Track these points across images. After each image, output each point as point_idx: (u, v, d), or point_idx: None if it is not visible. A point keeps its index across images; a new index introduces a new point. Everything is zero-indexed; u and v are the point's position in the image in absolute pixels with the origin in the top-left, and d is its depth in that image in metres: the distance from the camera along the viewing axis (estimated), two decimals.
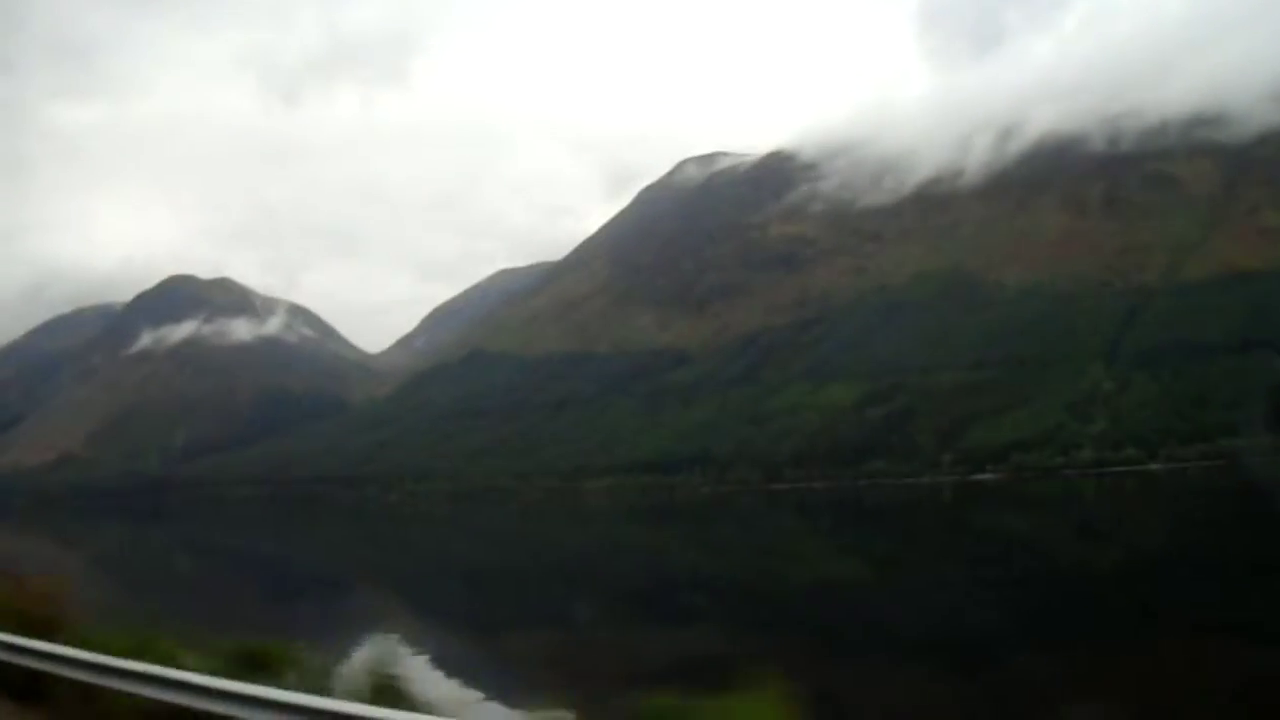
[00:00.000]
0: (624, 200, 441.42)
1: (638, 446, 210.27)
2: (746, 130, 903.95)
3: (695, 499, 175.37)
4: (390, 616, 52.47)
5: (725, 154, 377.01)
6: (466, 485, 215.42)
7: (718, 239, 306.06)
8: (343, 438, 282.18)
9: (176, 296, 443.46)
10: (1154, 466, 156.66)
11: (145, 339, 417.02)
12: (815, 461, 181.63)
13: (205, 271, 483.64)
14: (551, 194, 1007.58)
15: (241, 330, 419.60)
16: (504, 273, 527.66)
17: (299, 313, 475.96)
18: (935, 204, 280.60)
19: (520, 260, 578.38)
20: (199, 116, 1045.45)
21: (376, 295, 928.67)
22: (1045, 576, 55.34)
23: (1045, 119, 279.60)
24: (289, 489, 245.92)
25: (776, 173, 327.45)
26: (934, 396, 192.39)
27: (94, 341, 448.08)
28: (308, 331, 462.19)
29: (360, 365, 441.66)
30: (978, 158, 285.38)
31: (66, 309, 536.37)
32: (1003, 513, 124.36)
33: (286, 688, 11.24)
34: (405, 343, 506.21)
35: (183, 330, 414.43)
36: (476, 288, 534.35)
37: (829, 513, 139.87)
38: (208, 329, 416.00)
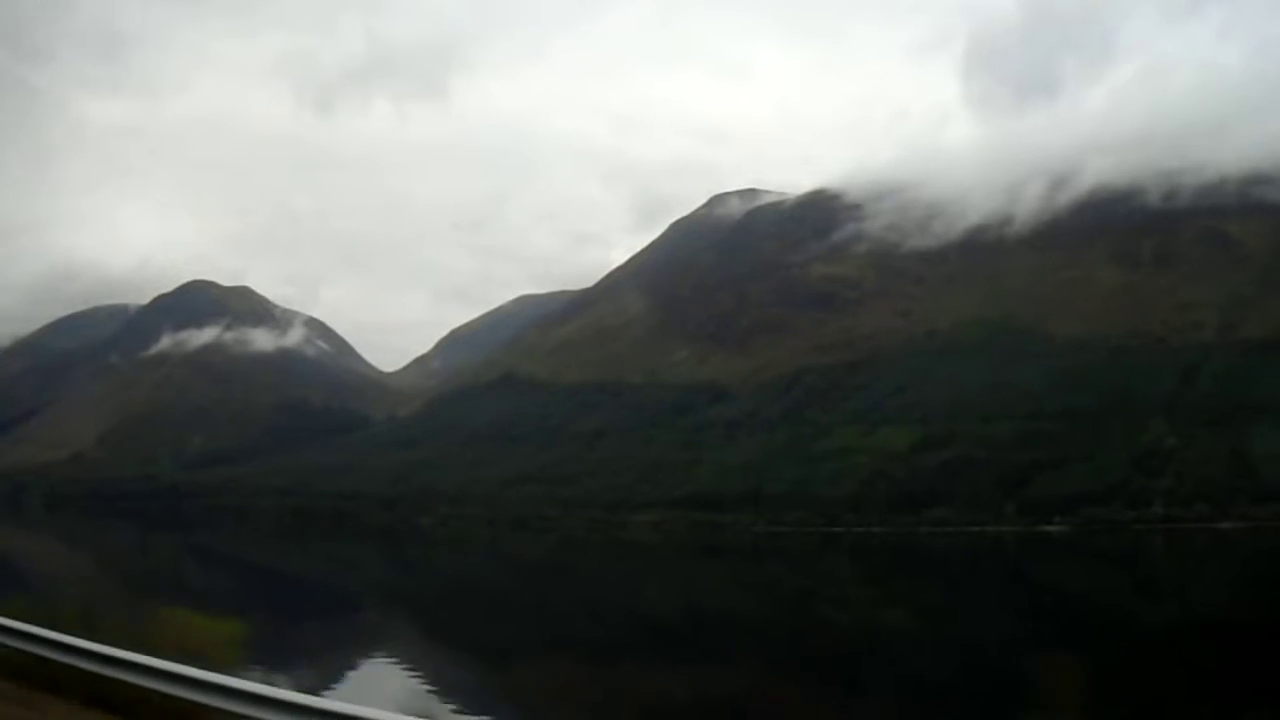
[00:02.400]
0: (650, 231, 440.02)
1: (683, 481, 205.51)
2: (777, 168, 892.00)
3: (748, 539, 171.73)
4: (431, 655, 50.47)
5: (758, 190, 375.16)
6: (503, 511, 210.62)
7: (758, 275, 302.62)
8: (370, 455, 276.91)
9: (195, 301, 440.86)
10: (1225, 525, 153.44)
11: (165, 341, 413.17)
12: (873, 506, 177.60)
13: (222, 278, 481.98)
14: (576, 221, 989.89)
15: (262, 340, 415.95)
16: (524, 298, 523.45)
17: (315, 326, 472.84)
18: (982, 251, 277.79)
19: (539, 287, 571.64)
20: (230, 120, 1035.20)
21: (389, 314, 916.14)
22: (1094, 635, 55.60)
23: (1098, 170, 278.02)
24: (316, 504, 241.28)
25: (819, 212, 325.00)
26: (992, 445, 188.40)
27: (110, 340, 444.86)
28: (324, 346, 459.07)
29: (377, 383, 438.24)
30: (1027, 206, 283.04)
31: (81, 307, 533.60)
32: (1065, 566, 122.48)
33: None
34: (421, 363, 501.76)
35: (204, 336, 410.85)
36: (495, 312, 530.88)
37: (886, 559, 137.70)
38: (229, 336, 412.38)
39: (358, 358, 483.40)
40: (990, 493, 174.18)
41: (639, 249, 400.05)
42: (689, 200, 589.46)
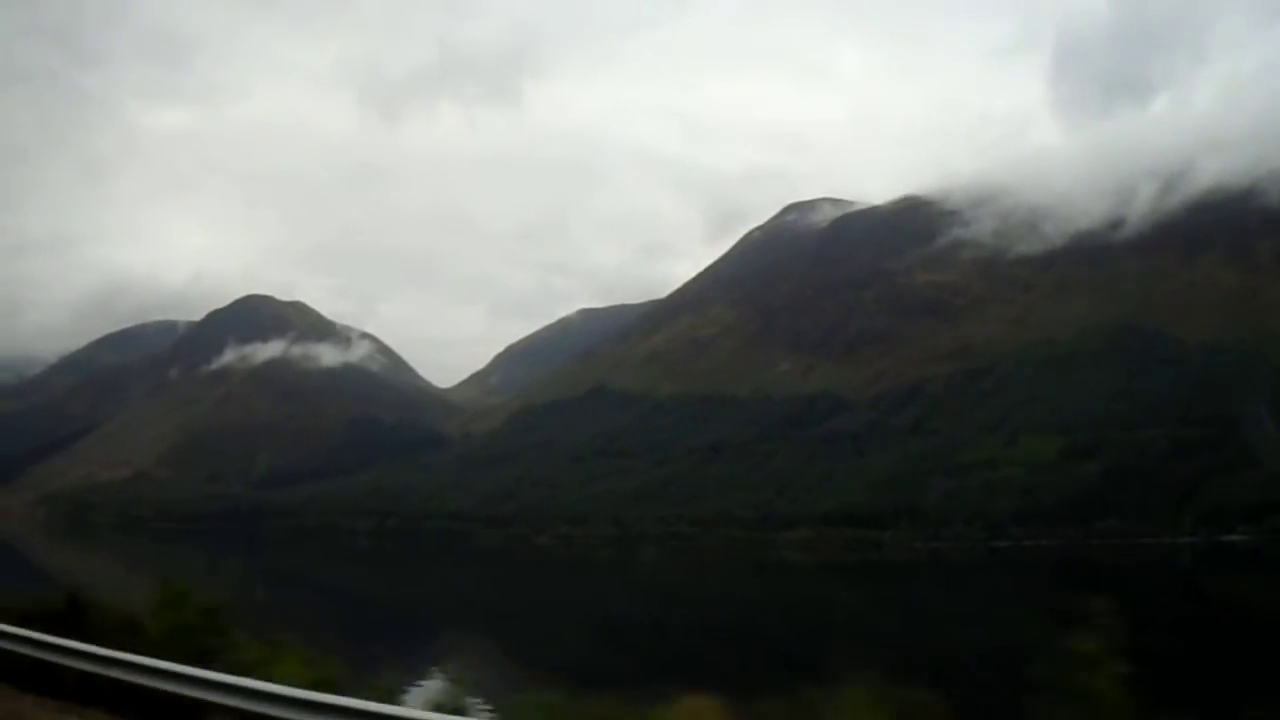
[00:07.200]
0: (721, 242, 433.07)
1: (822, 497, 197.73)
2: (852, 176, 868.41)
3: (909, 555, 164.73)
4: None
5: (841, 199, 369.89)
6: (628, 530, 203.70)
7: (859, 284, 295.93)
8: (461, 472, 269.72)
9: (251, 317, 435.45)
10: None
11: (228, 356, 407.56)
12: (1037, 518, 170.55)
13: (273, 292, 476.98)
14: (642, 233, 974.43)
15: (327, 355, 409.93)
16: (586, 312, 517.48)
17: (372, 341, 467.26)
18: (1093, 255, 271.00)
19: (597, 301, 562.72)
20: (292, 128, 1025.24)
21: (441, 329, 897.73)
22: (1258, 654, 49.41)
23: (1211, 171, 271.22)
24: (413, 524, 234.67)
25: (915, 219, 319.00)
26: (1145, 454, 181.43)
27: (166, 356, 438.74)
28: (384, 361, 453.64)
29: (439, 399, 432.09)
30: (1138, 209, 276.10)
31: (128, 323, 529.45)
32: (1247, 578, 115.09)
33: None
34: (479, 379, 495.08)
35: (268, 351, 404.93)
36: (555, 326, 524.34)
37: (1053, 574, 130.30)
38: (295, 351, 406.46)
39: (413, 373, 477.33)
40: (1161, 503, 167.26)
41: (709, 260, 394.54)
42: (759, 210, 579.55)
